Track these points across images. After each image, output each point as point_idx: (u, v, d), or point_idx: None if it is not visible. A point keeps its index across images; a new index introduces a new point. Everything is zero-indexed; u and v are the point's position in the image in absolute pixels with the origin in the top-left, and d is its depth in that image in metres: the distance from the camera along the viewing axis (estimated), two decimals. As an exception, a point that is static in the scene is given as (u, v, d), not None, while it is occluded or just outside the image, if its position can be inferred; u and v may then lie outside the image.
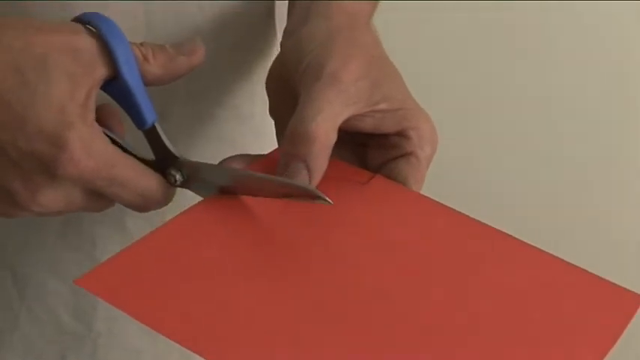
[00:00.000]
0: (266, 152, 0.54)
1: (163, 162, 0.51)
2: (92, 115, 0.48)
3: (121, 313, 0.63)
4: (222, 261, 0.48)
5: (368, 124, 0.51)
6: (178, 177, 0.51)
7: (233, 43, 0.62)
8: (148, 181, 0.50)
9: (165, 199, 0.51)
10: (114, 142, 0.50)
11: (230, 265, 0.48)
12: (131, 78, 0.49)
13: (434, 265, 0.49)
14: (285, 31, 0.56)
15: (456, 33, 1.38)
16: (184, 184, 0.51)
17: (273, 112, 0.56)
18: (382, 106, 0.51)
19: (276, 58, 0.56)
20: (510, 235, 0.51)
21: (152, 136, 0.51)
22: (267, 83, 0.56)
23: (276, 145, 0.55)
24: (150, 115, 0.50)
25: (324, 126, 0.49)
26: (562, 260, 0.50)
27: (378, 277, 0.48)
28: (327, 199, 0.48)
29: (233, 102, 0.64)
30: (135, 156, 0.51)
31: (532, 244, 0.51)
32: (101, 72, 0.48)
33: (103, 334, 0.65)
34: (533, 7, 1.36)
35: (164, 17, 0.58)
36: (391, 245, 0.50)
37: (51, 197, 0.48)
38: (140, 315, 0.45)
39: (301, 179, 0.50)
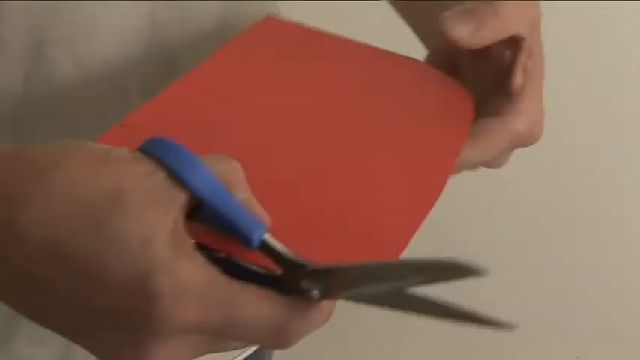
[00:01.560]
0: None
1: (292, 274, 0.41)
2: (186, 242, 0.40)
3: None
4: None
5: None
6: (315, 291, 0.40)
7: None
8: (274, 311, 0.40)
9: (310, 324, 0.41)
10: (225, 264, 0.42)
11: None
12: (216, 201, 0.41)
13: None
14: None
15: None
16: (330, 296, 0.41)
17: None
18: None
19: None
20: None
21: (267, 250, 0.41)
22: None
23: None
24: (253, 232, 0.41)
25: None
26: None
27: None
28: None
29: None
30: (254, 272, 0.42)
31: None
32: (181, 197, 0.40)
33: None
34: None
35: (169, 15, 0.58)
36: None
37: (163, 354, 0.40)
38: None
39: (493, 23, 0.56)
